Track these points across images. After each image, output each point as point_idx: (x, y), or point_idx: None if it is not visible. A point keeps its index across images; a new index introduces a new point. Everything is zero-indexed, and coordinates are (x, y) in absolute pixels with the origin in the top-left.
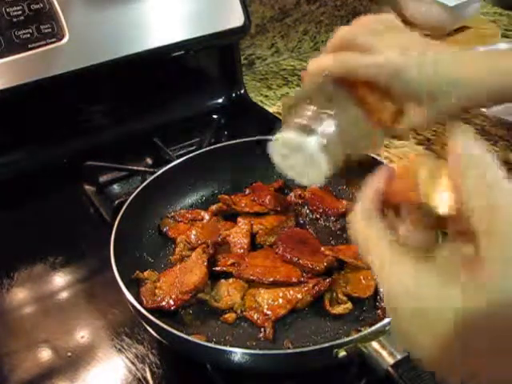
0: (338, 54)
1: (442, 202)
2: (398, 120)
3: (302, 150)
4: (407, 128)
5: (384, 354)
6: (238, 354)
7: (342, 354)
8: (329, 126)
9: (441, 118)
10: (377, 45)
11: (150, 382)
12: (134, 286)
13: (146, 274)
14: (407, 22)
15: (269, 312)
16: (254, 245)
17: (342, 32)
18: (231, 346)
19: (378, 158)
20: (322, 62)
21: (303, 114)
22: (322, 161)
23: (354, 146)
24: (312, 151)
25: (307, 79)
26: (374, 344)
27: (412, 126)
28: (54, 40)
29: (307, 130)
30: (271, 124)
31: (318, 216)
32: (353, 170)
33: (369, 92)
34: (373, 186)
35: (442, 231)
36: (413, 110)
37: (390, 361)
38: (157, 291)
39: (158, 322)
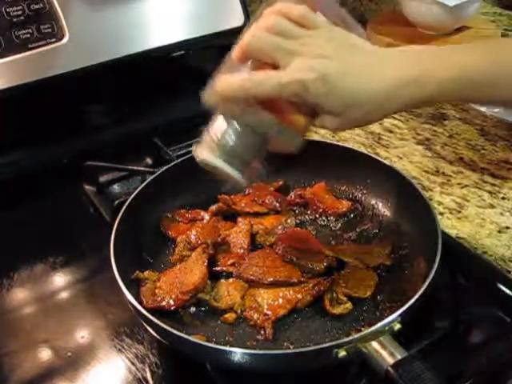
0: (243, 80)
1: None
2: (311, 121)
3: (216, 169)
4: (320, 127)
5: (384, 354)
6: (237, 353)
7: (342, 354)
8: (234, 139)
9: (355, 123)
10: (280, 58)
11: (150, 382)
12: (134, 285)
13: (146, 273)
14: (407, 22)
15: (269, 312)
16: (254, 245)
17: (255, 38)
18: (231, 346)
19: (378, 158)
20: (228, 89)
21: (213, 127)
22: (232, 172)
23: (268, 147)
24: (220, 169)
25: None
26: (374, 344)
27: (324, 127)
28: (53, 40)
29: (215, 148)
30: None
31: (317, 216)
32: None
33: (283, 103)
34: None
35: None
36: (326, 118)
37: (390, 361)
38: (157, 291)
39: (158, 322)
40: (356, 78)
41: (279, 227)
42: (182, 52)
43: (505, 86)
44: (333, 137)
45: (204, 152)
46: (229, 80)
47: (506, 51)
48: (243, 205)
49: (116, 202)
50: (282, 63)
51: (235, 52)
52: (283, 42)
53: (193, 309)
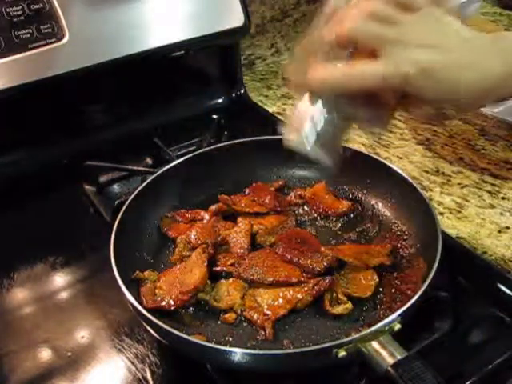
0: (343, 71)
1: None
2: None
3: (305, 153)
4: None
5: (384, 353)
6: (237, 354)
7: (342, 354)
8: (323, 125)
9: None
10: (380, 46)
11: (150, 382)
12: (134, 285)
13: (146, 273)
14: None
15: (269, 312)
16: (254, 245)
17: (355, 25)
18: (231, 346)
19: (378, 158)
20: (326, 81)
21: (300, 111)
22: (321, 157)
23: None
24: (309, 153)
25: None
26: (374, 344)
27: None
28: (53, 40)
29: (309, 134)
30: (271, 124)
31: (317, 216)
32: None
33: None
34: None
35: None
36: (419, 107)
37: (390, 361)
38: (157, 291)
39: (158, 322)
40: (456, 74)
41: (279, 227)
42: (182, 52)
43: None
44: None
45: (293, 137)
46: (327, 72)
47: None
48: (243, 205)
49: (116, 202)
50: (383, 52)
51: (332, 35)
52: (385, 30)
53: (193, 309)
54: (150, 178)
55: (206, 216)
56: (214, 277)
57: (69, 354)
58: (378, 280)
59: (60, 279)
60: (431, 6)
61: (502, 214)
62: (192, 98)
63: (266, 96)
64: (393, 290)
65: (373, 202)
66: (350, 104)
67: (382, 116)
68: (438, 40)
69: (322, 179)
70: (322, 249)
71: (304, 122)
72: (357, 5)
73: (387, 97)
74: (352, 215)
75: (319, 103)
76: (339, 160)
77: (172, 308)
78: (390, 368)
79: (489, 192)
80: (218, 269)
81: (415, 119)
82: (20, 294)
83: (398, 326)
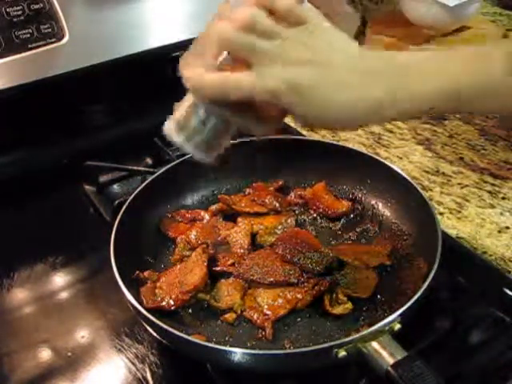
0: (215, 80)
1: None
2: (283, 117)
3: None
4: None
5: (384, 354)
6: (237, 354)
7: (342, 354)
8: (198, 121)
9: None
10: (250, 57)
11: (150, 382)
12: (134, 285)
13: (146, 274)
14: (407, 22)
15: (269, 312)
16: (254, 245)
17: (227, 34)
18: (231, 346)
19: (378, 158)
20: (199, 87)
21: (182, 105)
22: (191, 151)
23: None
24: (183, 147)
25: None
26: (374, 344)
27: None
28: (54, 40)
29: (180, 127)
30: None
31: (317, 216)
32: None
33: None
34: None
35: None
36: (297, 120)
37: (390, 361)
38: (157, 291)
39: (158, 322)
40: (328, 93)
41: (279, 227)
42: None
43: (486, 100)
44: (333, 137)
45: (171, 128)
46: (200, 76)
47: (487, 63)
48: (243, 205)
49: (116, 202)
50: (255, 65)
51: (214, 35)
52: (258, 43)
53: (193, 309)
54: (149, 178)
55: (206, 216)
56: (214, 277)
57: (69, 354)
58: (377, 280)
59: (60, 279)
60: (321, 18)
61: (501, 213)
62: None
63: None
64: (393, 290)
65: (373, 202)
66: (226, 109)
67: (263, 122)
68: (314, 57)
69: (322, 179)
70: (322, 249)
71: (181, 115)
72: (237, 11)
73: (265, 107)
74: (352, 215)
75: (195, 101)
76: (217, 157)
77: (172, 308)
78: (390, 368)
79: (489, 192)
80: (218, 269)
81: (415, 119)
82: (20, 294)
83: (397, 326)
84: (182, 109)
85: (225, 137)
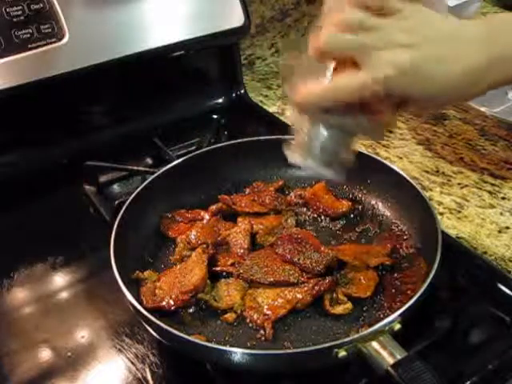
0: (325, 87)
1: None
2: (397, 112)
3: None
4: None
5: (384, 354)
6: (237, 354)
7: (342, 354)
8: (322, 140)
9: (442, 107)
10: (358, 55)
11: (150, 382)
12: (134, 285)
13: (146, 273)
14: None
15: (269, 312)
16: (254, 245)
17: (328, 39)
18: (231, 345)
19: (378, 158)
20: (311, 98)
21: (300, 132)
22: (325, 172)
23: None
24: (314, 170)
25: (296, 107)
26: (374, 344)
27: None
28: (54, 40)
29: (305, 151)
30: (271, 124)
31: (317, 216)
32: None
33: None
34: None
35: None
36: (410, 105)
37: (390, 361)
38: (157, 291)
39: (158, 322)
40: (440, 66)
41: (279, 227)
42: (182, 52)
43: None
44: None
45: (296, 155)
46: (309, 90)
47: None
48: (243, 205)
49: (116, 202)
50: (361, 61)
51: (312, 50)
52: (359, 39)
53: (193, 309)
54: (150, 178)
55: (206, 216)
56: (214, 277)
57: (69, 354)
58: (378, 280)
59: (60, 279)
60: (411, 5)
61: (501, 213)
62: (192, 98)
63: (266, 96)
64: (393, 290)
65: (373, 202)
66: (344, 116)
67: (378, 124)
68: (415, 37)
69: (322, 179)
70: (322, 249)
71: (304, 139)
72: (329, 16)
73: (380, 105)
74: (352, 215)
75: (316, 121)
76: (345, 172)
77: (172, 308)
78: (390, 368)
79: (489, 192)
80: (218, 269)
81: (416, 119)
82: (20, 294)
83: (398, 326)
84: (301, 133)
85: (348, 150)
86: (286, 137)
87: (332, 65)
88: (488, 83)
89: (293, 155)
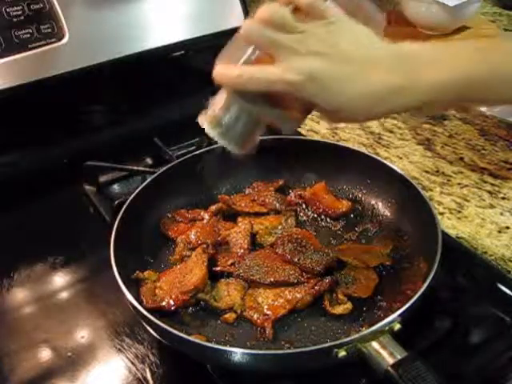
0: (236, 73)
1: None
2: (309, 111)
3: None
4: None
5: (384, 354)
6: (238, 353)
7: (342, 354)
8: (231, 116)
9: (347, 122)
10: (273, 51)
11: (150, 382)
12: (134, 286)
13: (146, 273)
14: (407, 22)
15: (269, 312)
16: (254, 245)
17: (249, 29)
18: (231, 346)
19: (378, 158)
20: (223, 79)
21: (215, 100)
22: (226, 145)
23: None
24: (215, 139)
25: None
26: (374, 344)
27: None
28: (54, 40)
29: (215, 121)
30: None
31: (317, 216)
32: None
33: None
34: None
35: None
36: (320, 112)
37: (390, 361)
38: (157, 291)
39: (158, 322)
40: (344, 82)
41: (279, 227)
42: (182, 52)
43: (498, 87)
44: (333, 137)
45: (205, 122)
46: (226, 70)
47: (499, 52)
48: (243, 205)
49: (116, 202)
50: (276, 57)
51: (241, 33)
52: (278, 37)
53: (193, 309)
54: (149, 178)
55: (206, 216)
56: (214, 277)
57: (69, 353)
58: (378, 280)
59: (60, 279)
60: (341, 13)
61: (502, 213)
62: (192, 98)
63: None
64: (393, 290)
65: (373, 202)
66: (254, 102)
67: (289, 116)
68: (331, 49)
69: (322, 179)
70: (322, 249)
71: (215, 110)
72: (261, 8)
73: (291, 101)
74: (352, 215)
75: (226, 96)
76: (250, 150)
77: (172, 308)
78: (390, 368)
79: (489, 192)
80: (218, 269)
81: (416, 119)
82: (20, 294)
83: (398, 326)
84: (216, 105)
85: (255, 133)
86: (287, 137)
87: (251, 48)
88: (387, 109)
89: (203, 119)
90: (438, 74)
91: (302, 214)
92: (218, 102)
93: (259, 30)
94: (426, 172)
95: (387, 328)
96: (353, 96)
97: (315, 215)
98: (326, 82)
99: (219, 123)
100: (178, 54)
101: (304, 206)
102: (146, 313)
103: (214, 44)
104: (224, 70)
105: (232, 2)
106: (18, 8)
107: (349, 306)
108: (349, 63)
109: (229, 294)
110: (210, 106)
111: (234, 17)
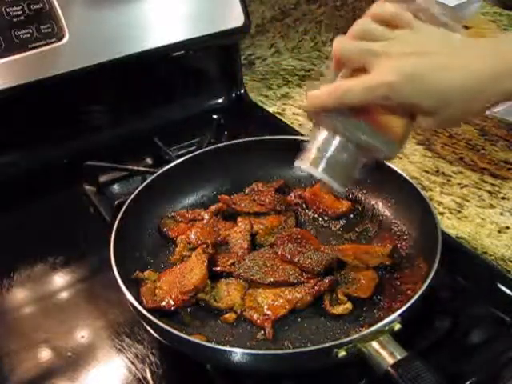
0: (330, 89)
1: None
2: (408, 125)
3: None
4: (424, 130)
5: (384, 354)
6: (238, 353)
7: (342, 354)
8: (335, 151)
9: (451, 121)
10: (367, 61)
11: (150, 382)
12: (134, 285)
13: (145, 274)
14: None
15: (269, 312)
16: (254, 245)
17: (340, 45)
18: (231, 346)
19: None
20: (317, 101)
21: (314, 139)
22: (331, 182)
23: (368, 156)
24: (322, 178)
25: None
26: (374, 344)
27: (424, 130)
28: (54, 40)
29: (316, 159)
30: (271, 124)
31: (317, 216)
32: None
33: (379, 109)
34: None
35: None
36: (421, 118)
37: (390, 361)
38: (157, 291)
39: (158, 322)
40: (445, 74)
41: (279, 227)
42: (182, 52)
43: None
44: None
45: (306, 163)
46: (317, 93)
47: None
48: (243, 205)
49: (116, 202)
50: (369, 66)
51: (333, 50)
52: (368, 45)
53: (193, 309)
54: (149, 178)
55: (206, 216)
56: (214, 277)
57: (69, 353)
58: (378, 280)
59: (60, 279)
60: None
61: (502, 213)
62: (192, 98)
63: (266, 96)
64: (393, 290)
65: (373, 202)
66: (354, 124)
67: (389, 138)
68: (423, 47)
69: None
70: (322, 249)
71: (314, 148)
72: (353, 26)
73: (389, 117)
74: (352, 215)
75: (327, 131)
76: (350, 186)
77: (172, 308)
78: (390, 368)
79: (489, 192)
80: (218, 269)
81: None
82: (20, 294)
83: (398, 326)
84: (316, 142)
85: (357, 165)
86: (287, 137)
87: (343, 72)
88: (491, 96)
89: (302, 162)
90: None
91: (302, 214)
92: (317, 139)
93: (349, 43)
94: (426, 172)
95: (387, 328)
96: (452, 84)
97: (315, 215)
98: (423, 77)
99: (323, 160)
100: (178, 54)
101: (304, 206)
102: (146, 313)
103: (213, 44)
104: (316, 92)
105: (232, 2)
106: (18, 8)
107: (349, 306)
108: (442, 55)
109: (229, 293)
110: (308, 145)
111: (233, 17)
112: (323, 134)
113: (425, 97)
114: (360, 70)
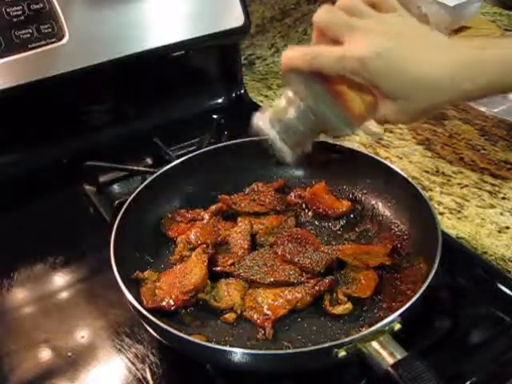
0: (303, 51)
1: None
2: (368, 113)
3: (268, 139)
4: (381, 120)
5: (384, 354)
6: (238, 353)
7: (342, 354)
8: (293, 115)
9: (416, 112)
10: (345, 33)
11: (150, 382)
12: (134, 285)
13: (145, 274)
14: None
15: (269, 312)
16: (254, 245)
17: (322, 14)
18: (231, 346)
19: (378, 158)
20: (289, 62)
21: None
22: (282, 146)
23: (325, 128)
24: (273, 139)
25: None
26: (374, 344)
27: (384, 120)
28: (54, 40)
29: (273, 120)
30: None
31: (317, 216)
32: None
33: (345, 84)
34: None
35: None
36: (385, 104)
37: (390, 361)
38: (157, 291)
39: (158, 322)
40: (412, 63)
41: (279, 227)
42: (182, 52)
43: None
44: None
45: (261, 121)
46: (291, 53)
47: None
48: (243, 205)
49: (116, 202)
50: (344, 39)
51: (315, 18)
52: (349, 19)
53: (193, 309)
54: (149, 178)
55: (206, 216)
56: (214, 277)
57: (69, 353)
58: (378, 280)
59: (60, 279)
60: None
61: (502, 213)
62: (192, 98)
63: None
64: (393, 290)
65: (373, 202)
66: (318, 94)
67: (348, 118)
68: (399, 30)
69: (322, 179)
70: (322, 249)
71: (274, 109)
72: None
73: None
74: (352, 215)
75: (291, 96)
76: (297, 157)
77: (172, 308)
78: (390, 368)
79: (489, 192)
80: (218, 269)
81: None
82: (20, 294)
83: (398, 326)
84: (278, 103)
85: (311, 137)
86: None
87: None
88: (450, 96)
89: (260, 118)
90: (503, 50)
91: (302, 214)
92: (279, 101)
93: (333, 13)
94: (426, 172)
95: (387, 328)
96: (417, 76)
97: (315, 215)
98: (393, 61)
99: (279, 121)
100: (178, 53)
101: (304, 206)
102: (146, 313)
103: (213, 44)
104: (292, 51)
105: (232, 2)
106: (18, 8)
107: (349, 306)
108: (414, 45)
109: (229, 293)
110: (266, 107)
111: (233, 17)
112: (288, 95)
113: (389, 79)
114: (337, 43)
